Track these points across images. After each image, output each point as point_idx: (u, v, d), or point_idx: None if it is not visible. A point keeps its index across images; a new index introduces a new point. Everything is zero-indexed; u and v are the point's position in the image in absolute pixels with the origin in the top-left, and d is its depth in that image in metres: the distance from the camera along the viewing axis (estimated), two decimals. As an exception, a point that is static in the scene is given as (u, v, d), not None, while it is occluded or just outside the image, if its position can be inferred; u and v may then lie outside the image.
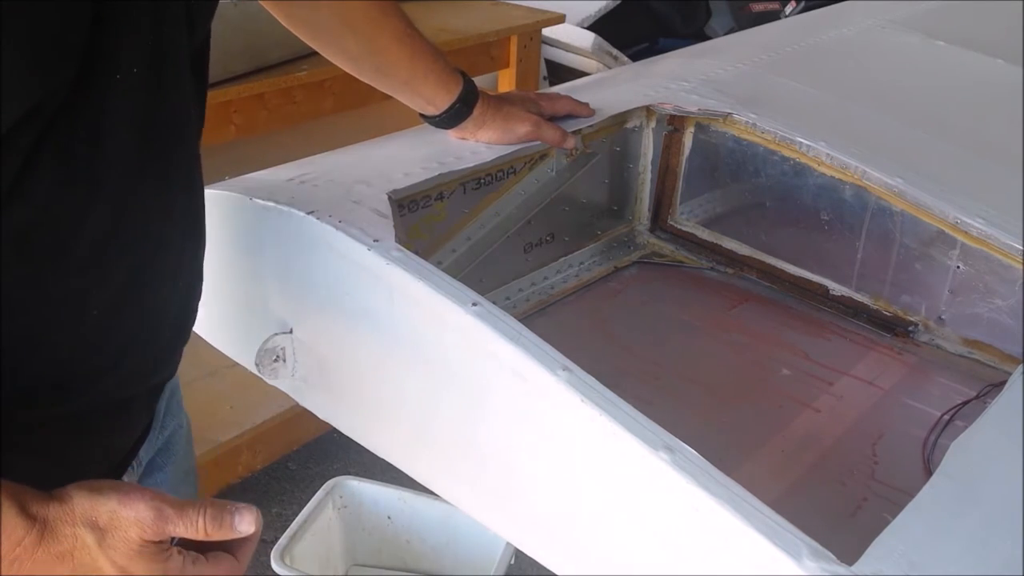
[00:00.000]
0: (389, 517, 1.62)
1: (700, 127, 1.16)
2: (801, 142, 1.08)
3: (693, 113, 1.15)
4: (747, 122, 1.12)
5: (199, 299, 0.79)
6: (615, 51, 2.72)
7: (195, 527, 0.59)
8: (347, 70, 0.97)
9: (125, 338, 0.68)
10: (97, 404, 0.69)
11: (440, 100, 0.98)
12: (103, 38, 0.56)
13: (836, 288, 1.11)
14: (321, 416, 0.93)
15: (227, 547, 0.62)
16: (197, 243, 0.75)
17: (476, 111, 0.99)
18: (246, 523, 0.60)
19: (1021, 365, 0.83)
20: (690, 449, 0.65)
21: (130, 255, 0.65)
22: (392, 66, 0.95)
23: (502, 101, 1.03)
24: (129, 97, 0.60)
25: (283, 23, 0.93)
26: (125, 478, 0.78)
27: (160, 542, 0.58)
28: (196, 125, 0.72)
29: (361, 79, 0.98)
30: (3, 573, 0.55)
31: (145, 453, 0.82)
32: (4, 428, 0.60)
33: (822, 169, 1.08)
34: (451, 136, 1.02)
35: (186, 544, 0.61)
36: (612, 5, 2.91)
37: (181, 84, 0.66)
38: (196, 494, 0.99)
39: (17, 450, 0.60)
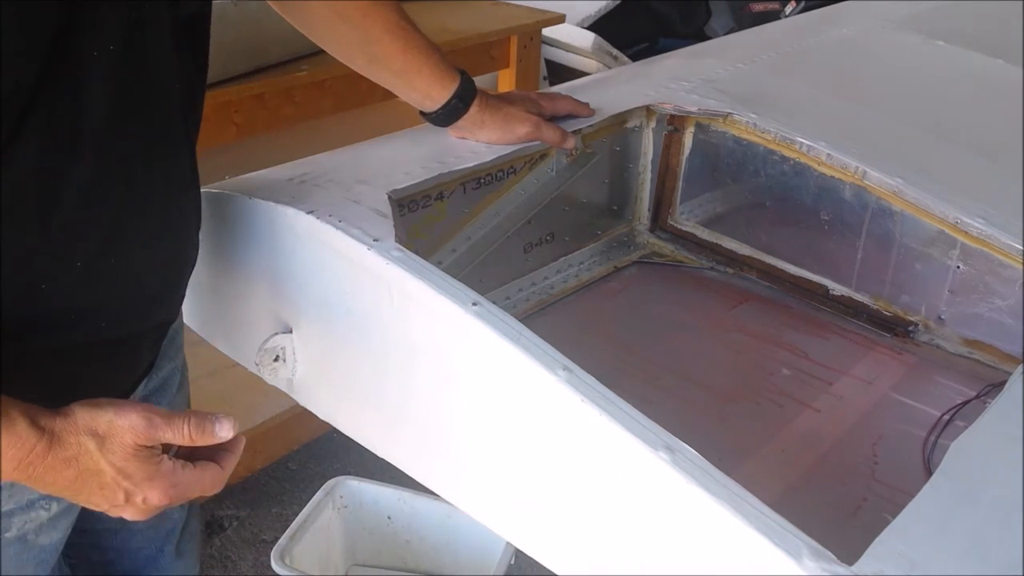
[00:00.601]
0: (389, 517, 1.62)
1: (700, 127, 1.16)
2: (801, 142, 1.08)
3: (693, 113, 1.15)
4: (747, 122, 1.12)
5: (195, 247, 0.83)
6: (615, 51, 2.72)
7: (181, 433, 0.67)
8: (341, 60, 0.97)
9: (111, 287, 0.73)
10: (94, 341, 0.74)
11: (436, 95, 0.98)
12: (80, 13, 0.60)
13: (836, 288, 1.11)
14: (321, 416, 0.93)
15: (214, 458, 0.70)
16: (184, 201, 0.79)
17: (474, 110, 0.99)
18: (225, 429, 0.68)
19: (1021, 365, 0.83)
20: (690, 449, 0.65)
21: (111, 212, 0.70)
22: (385, 57, 0.96)
23: (502, 101, 1.03)
24: (108, 70, 0.64)
25: (279, 12, 0.94)
26: None
27: (152, 447, 0.66)
28: (181, 95, 0.74)
29: (356, 70, 0.98)
30: (18, 477, 0.63)
31: (141, 391, 0.88)
32: (9, 358, 0.66)
33: (822, 169, 1.08)
34: (451, 135, 1.02)
35: (179, 455, 0.69)
36: (612, 5, 2.91)
37: (163, 56, 0.70)
38: None
39: (23, 379, 0.65)
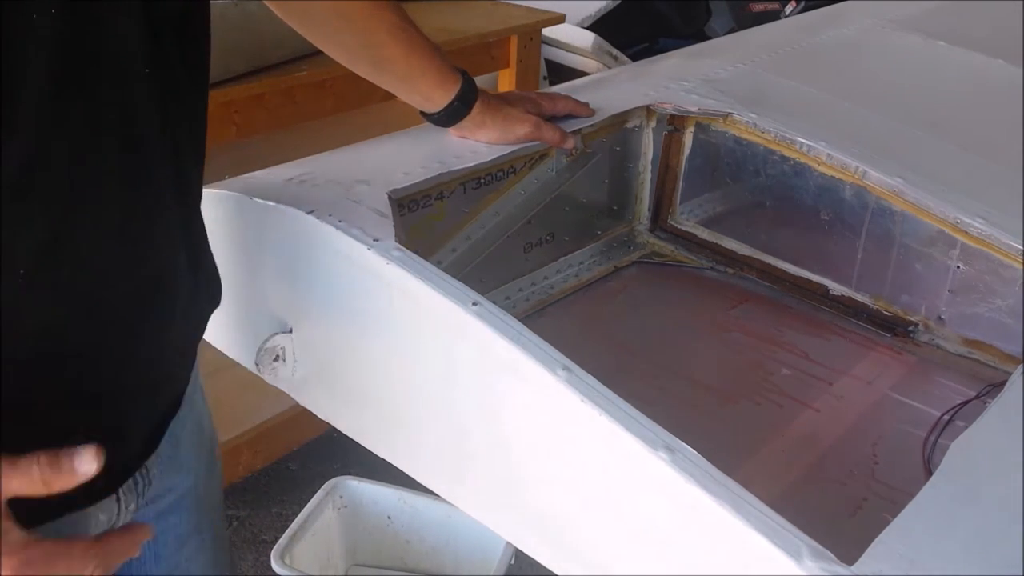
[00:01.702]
0: (389, 517, 1.62)
1: (700, 127, 1.16)
2: (801, 142, 1.08)
3: (693, 113, 1.15)
4: (747, 122, 1.12)
5: (185, 275, 0.71)
6: (615, 51, 2.72)
7: (31, 478, 0.53)
8: (344, 64, 0.96)
9: (65, 304, 0.61)
10: (53, 389, 0.63)
11: (438, 97, 0.98)
12: None
13: (836, 288, 1.11)
14: (321, 416, 0.93)
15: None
16: (161, 212, 0.67)
17: (475, 110, 0.99)
18: (86, 462, 0.54)
19: (1021, 365, 0.83)
20: (690, 449, 0.65)
21: (54, 205, 0.59)
22: (388, 61, 0.95)
23: (502, 101, 1.03)
24: (49, 36, 0.55)
25: (280, 16, 0.92)
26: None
27: None
28: (155, 86, 0.64)
29: (358, 74, 0.97)
30: None
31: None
32: None
33: (822, 169, 1.08)
34: (451, 135, 1.02)
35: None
36: (612, 5, 2.91)
37: (122, 34, 0.60)
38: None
39: None
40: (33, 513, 0.56)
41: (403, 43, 0.94)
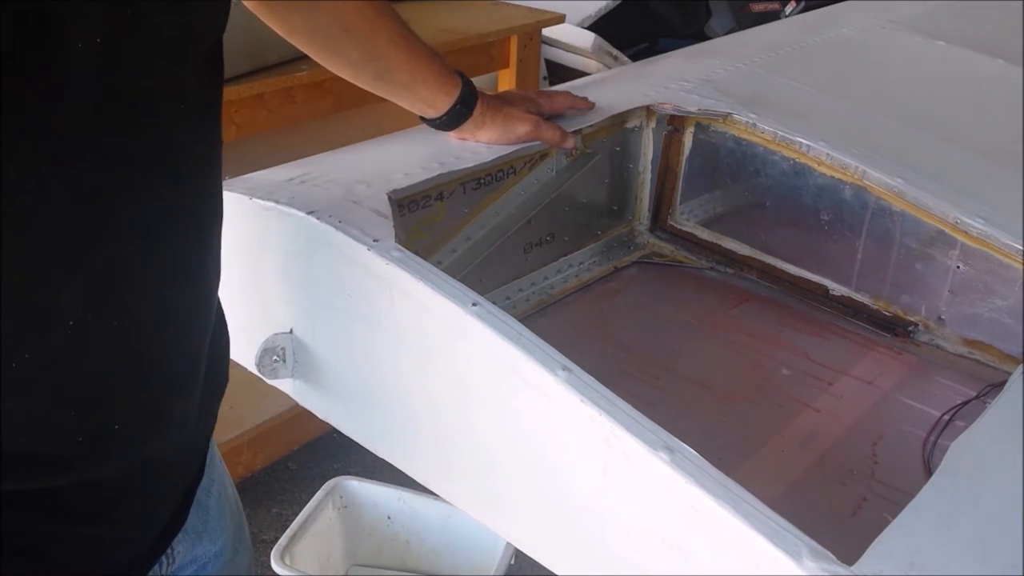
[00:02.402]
0: (389, 517, 1.62)
1: (700, 127, 1.16)
2: (801, 142, 1.08)
3: (693, 113, 1.15)
4: (747, 122, 1.12)
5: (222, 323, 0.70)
6: (615, 51, 2.72)
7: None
8: (348, 78, 0.96)
9: (113, 358, 0.58)
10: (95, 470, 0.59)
11: (440, 102, 0.98)
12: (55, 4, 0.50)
13: (836, 288, 1.11)
14: (321, 416, 0.93)
15: None
16: (190, 282, 0.66)
17: (476, 112, 0.99)
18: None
19: (1021, 365, 0.83)
20: (690, 449, 0.65)
21: (108, 245, 0.56)
22: (391, 71, 0.95)
23: (501, 101, 1.03)
24: (93, 65, 0.53)
25: (280, 33, 0.91)
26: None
27: None
28: (187, 118, 0.63)
29: (364, 87, 0.97)
30: None
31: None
32: None
33: (822, 169, 1.08)
34: (451, 137, 1.02)
35: None
36: (612, 5, 2.91)
37: (159, 65, 0.59)
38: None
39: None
40: None
41: (404, 50, 0.94)
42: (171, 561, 0.74)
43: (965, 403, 0.96)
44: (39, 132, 0.51)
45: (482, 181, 1.02)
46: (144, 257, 0.59)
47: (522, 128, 1.02)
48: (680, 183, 1.20)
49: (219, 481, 0.84)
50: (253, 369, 0.91)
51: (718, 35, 3.17)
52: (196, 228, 0.66)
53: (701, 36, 3.22)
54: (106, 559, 0.64)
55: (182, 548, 0.75)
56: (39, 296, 0.53)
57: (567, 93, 1.10)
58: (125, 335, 0.58)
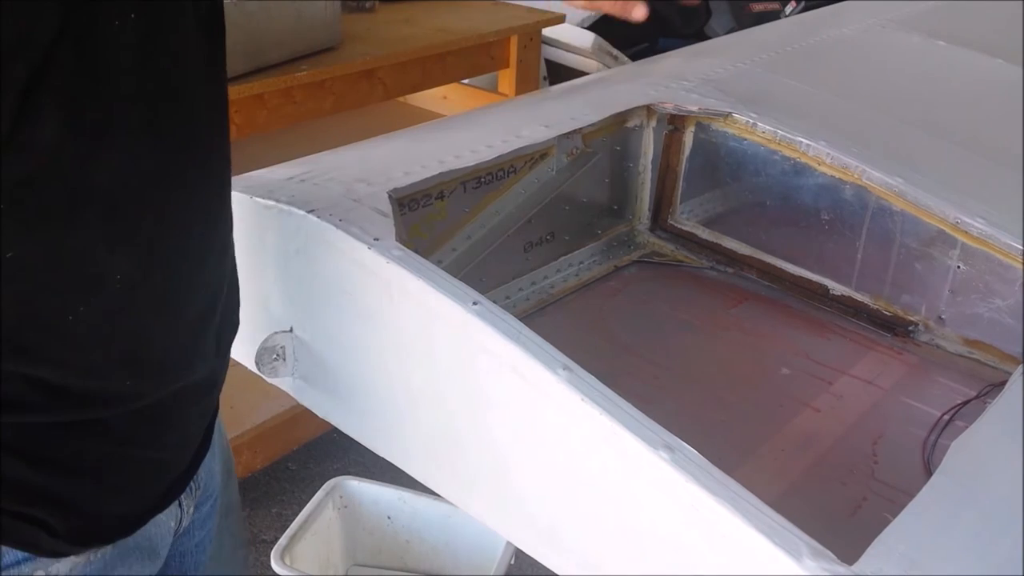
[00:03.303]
0: (389, 517, 1.62)
1: (700, 126, 1.16)
2: (801, 142, 1.08)
3: (693, 112, 1.15)
4: (747, 121, 1.12)
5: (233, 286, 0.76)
6: (615, 51, 2.72)
7: None
8: None
9: (155, 315, 0.64)
10: (137, 400, 0.66)
11: None
12: None
13: (836, 288, 1.11)
14: (321, 415, 0.93)
15: None
16: (220, 224, 0.71)
17: None
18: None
19: (1021, 365, 0.84)
20: (690, 448, 0.65)
21: (151, 215, 0.60)
22: None
23: None
24: (132, 42, 0.55)
25: None
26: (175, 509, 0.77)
27: None
28: (210, 94, 0.70)
29: None
30: None
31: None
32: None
33: (822, 169, 1.08)
34: None
35: None
36: (612, 5, 2.90)
37: (188, 41, 0.63)
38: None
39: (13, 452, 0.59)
40: (117, 528, 0.67)
41: None
42: (198, 486, 0.80)
43: (965, 403, 0.96)
44: (93, 108, 0.54)
45: (482, 180, 1.02)
46: (183, 213, 0.64)
47: None
48: (680, 182, 1.20)
49: (220, 423, 0.88)
50: (253, 368, 0.91)
51: (718, 35, 3.17)
52: (218, 172, 0.72)
53: (701, 36, 3.22)
54: (150, 477, 0.72)
55: (203, 474, 0.81)
56: (92, 259, 0.57)
57: None
58: (166, 287, 0.64)
